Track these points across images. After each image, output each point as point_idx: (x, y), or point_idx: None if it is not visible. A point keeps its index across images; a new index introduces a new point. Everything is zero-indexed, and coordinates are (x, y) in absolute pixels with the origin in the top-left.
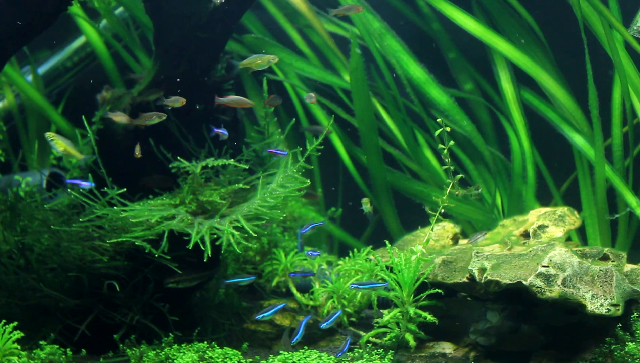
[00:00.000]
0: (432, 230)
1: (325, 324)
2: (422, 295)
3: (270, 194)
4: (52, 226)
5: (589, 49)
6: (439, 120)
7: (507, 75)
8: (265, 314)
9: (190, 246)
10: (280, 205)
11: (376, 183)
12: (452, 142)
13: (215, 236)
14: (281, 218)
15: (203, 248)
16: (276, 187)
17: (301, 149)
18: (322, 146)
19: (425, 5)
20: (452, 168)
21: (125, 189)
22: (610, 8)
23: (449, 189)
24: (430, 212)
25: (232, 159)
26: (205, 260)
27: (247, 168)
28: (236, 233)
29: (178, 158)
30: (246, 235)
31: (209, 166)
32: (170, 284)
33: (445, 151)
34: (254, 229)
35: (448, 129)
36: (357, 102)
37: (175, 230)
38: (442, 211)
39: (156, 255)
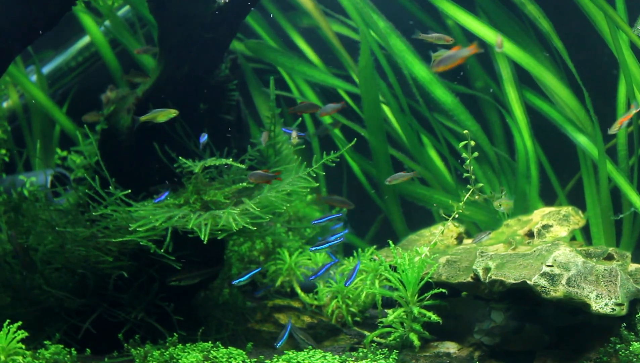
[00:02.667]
0: (442, 233)
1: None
2: (426, 294)
3: (277, 191)
4: (56, 228)
5: (593, 47)
6: (465, 132)
7: (509, 74)
8: (242, 279)
9: (190, 226)
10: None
11: (382, 182)
12: (476, 153)
13: (218, 232)
14: (284, 208)
15: (202, 237)
16: (286, 185)
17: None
18: (338, 160)
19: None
20: (472, 176)
21: (129, 190)
22: (617, 8)
23: (467, 196)
24: (445, 215)
25: (230, 159)
26: (204, 242)
27: (244, 166)
28: (235, 213)
29: (180, 157)
30: (248, 220)
31: (213, 164)
32: (172, 282)
33: (468, 161)
34: (256, 220)
35: (472, 143)
36: (366, 101)
37: (179, 229)
38: (445, 211)
39: (157, 253)
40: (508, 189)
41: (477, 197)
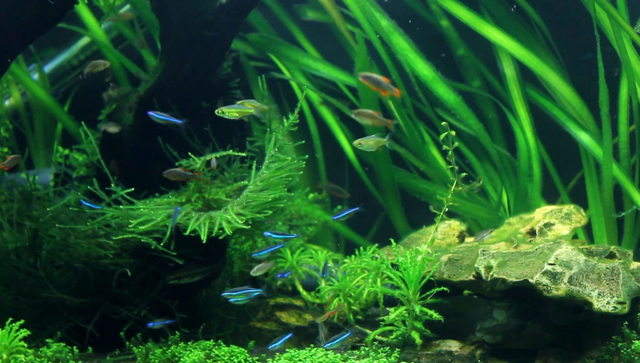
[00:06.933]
0: (436, 229)
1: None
2: (428, 293)
3: (260, 180)
4: (57, 225)
5: (594, 46)
6: (443, 123)
7: (513, 72)
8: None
9: (188, 232)
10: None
11: (383, 180)
12: (456, 143)
13: (220, 231)
14: (270, 198)
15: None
16: (263, 169)
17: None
18: (298, 120)
19: (434, 2)
20: (456, 167)
21: (132, 188)
22: (619, 7)
23: (452, 188)
24: (435, 211)
25: (222, 151)
26: (203, 241)
27: (239, 162)
28: (229, 217)
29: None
30: (245, 218)
31: (212, 159)
32: (171, 280)
33: (450, 152)
34: (250, 215)
35: (453, 133)
36: (365, 104)
37: (180, 228)
38: (448, 209)
39: (159, 250)
40: (510, 187)
41: (460, 189)
